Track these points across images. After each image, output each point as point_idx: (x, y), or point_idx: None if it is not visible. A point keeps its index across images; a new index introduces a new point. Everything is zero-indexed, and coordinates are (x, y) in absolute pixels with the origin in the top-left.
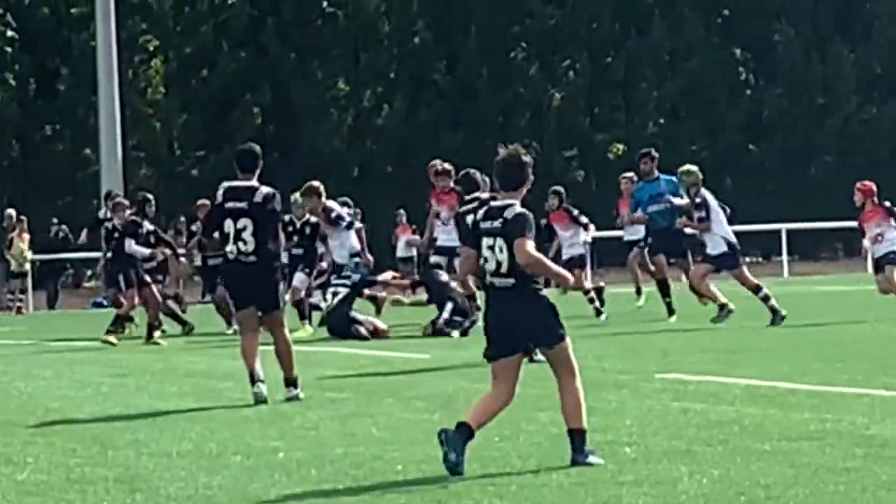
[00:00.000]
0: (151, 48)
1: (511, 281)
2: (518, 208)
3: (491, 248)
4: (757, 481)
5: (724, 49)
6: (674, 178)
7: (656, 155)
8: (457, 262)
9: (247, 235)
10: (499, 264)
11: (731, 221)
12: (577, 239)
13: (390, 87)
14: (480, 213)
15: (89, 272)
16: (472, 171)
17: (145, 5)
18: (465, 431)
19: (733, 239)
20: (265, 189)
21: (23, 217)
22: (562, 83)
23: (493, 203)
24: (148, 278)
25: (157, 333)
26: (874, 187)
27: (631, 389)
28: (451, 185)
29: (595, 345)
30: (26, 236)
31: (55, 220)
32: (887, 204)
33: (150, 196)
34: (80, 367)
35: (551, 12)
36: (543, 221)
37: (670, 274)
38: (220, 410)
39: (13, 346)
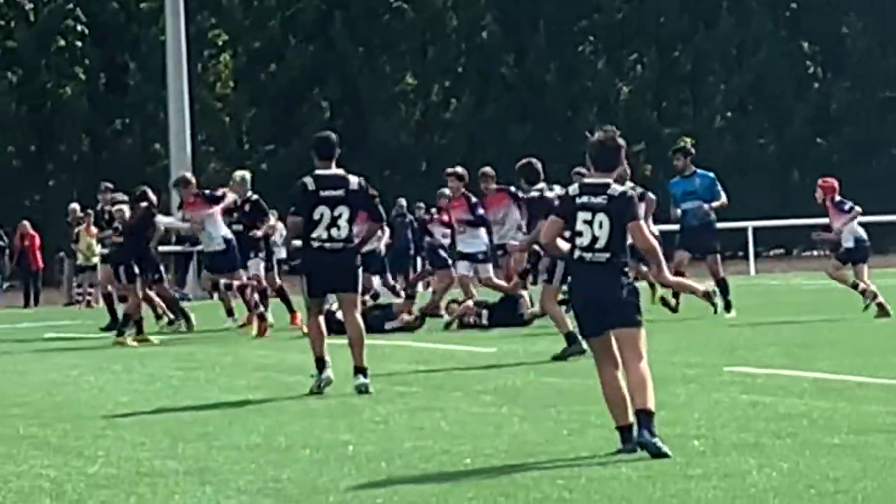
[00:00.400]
0: (220, 42)
1: (606, 256)
2: (622, 187)
3: (588, 222)
4: (826, 475)
5: (792, 42)
6: (710, 174)
7: (692, 151)
8: (479, 266)
9: (342, 222)
10: (595, 239)
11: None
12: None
13: (458, 82)
14: (575, 187)
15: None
16: (534, 160)
17: (215, 0)
18: (645, 418)
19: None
20: (354, 177)
21: (89, 211)
22: (629, 77)
23: (590, 180)
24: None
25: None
26: (836, 184)
27: (699, 383)
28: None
29: (663, 339)
30: (94, 230)
31: None
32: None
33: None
34: (150, 360)
35: (619, 6)
36: None
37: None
38: (289, 404)
39: (84, 339)
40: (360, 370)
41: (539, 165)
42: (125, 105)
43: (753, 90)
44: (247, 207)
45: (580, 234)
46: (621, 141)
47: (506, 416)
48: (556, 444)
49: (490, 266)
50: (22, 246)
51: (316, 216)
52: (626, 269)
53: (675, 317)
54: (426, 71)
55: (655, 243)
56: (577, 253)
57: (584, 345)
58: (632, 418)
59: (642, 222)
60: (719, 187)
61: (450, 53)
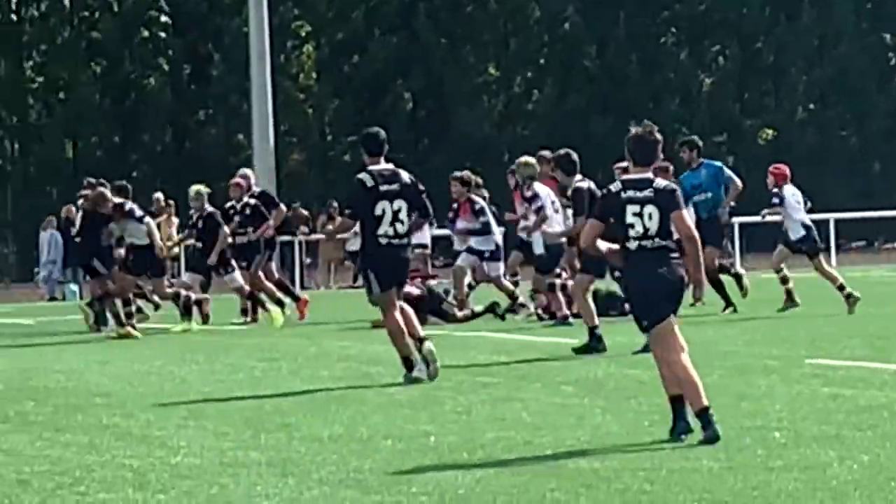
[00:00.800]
0: (304, 34)
1: (660, 243)
2: (665, 181)
3: (638, 214)
4: None
5: (874, 34)
6: (718, 164)
7: (699, 143)
8: (486, 264)
9: (402, 216)
10: (646, 229)
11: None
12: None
13: (540, 73)
14: (617, 184)
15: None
16: (572, 151)
17: None
18: (703, 414)
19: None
20: (405, 172)
21: (171, 201)
22: (711, 69)
23: (630, 176)
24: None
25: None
26: (787, 171)
27: (780, 375)
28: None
29: (744, 330)
30: (175, 220)
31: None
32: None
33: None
34: (233, 350)
35: None
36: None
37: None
38: (371, 394)
39: (165, 330)
40: (422, 339)
41: (576, 157)
42: (208, 96)
43: (835, 82)
44: (200, 224)
45: (632, 225)
46: (659, 136)
47: (587, 408)
48: (638, 436)
49: (500, 265)
50: None
51: (378, 212)
52: (677, 255)
53: (756, 310)
54: (509, 62)
55: (696, 233)
56: (632, 243)
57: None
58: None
59: (684, 212)
60: (729, 174)
61: (532, 45)
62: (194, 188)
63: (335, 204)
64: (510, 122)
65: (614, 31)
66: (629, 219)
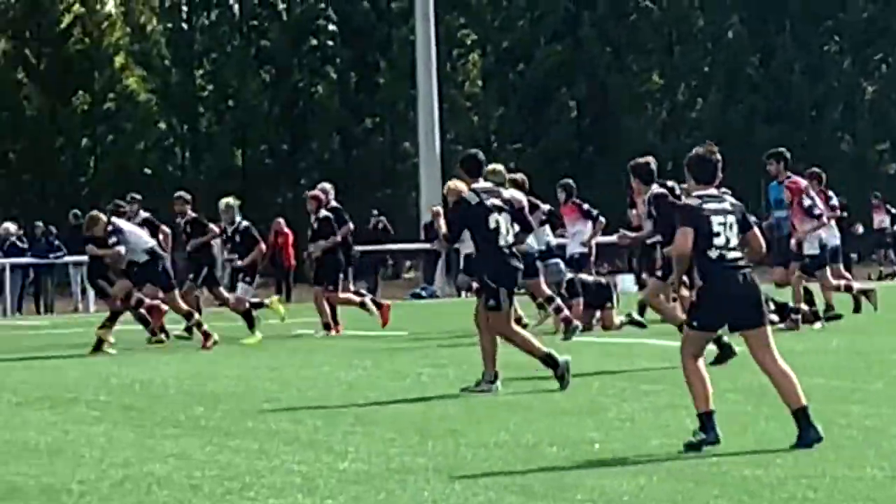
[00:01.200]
0: (469, 42)
1: (740, 254)
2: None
3: (723, 224)
4: None
5: None
6: (789, 180)
7: (787, 156)
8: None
9: (510, 227)
10: (728, 240)
11: None
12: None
13: (704, 81)
14: (694, 200)
15: (408, 263)
16: (651, 159)
17: (464, 1)
18: (804, 415)
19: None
20: (502, 189)
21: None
22: (874, 76)
23: (701, 192)
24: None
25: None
26: (802, 185)
27: None
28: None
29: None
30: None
31: (375, 212)
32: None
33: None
34: (398, 356)
35: (864, 6)
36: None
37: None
38: (536, 401)
39: (335, 336)
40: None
41: (654, 165)
42: (375, 103)
43: None
44: (237, 237)
45: (717, 234)
46: (719, 156)
47: (751, 415)
48: None
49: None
50: (276, 243)
51: (492, 225)
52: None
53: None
54: (672, 70)
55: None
56: (716, 252)
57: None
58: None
59: (756, 230)
60: (783, 195)
61: (696, 53)
62: (224, 201)
63: (622, 231)
64: (674, 130)
65: (778, 39)
66: (716, 228)
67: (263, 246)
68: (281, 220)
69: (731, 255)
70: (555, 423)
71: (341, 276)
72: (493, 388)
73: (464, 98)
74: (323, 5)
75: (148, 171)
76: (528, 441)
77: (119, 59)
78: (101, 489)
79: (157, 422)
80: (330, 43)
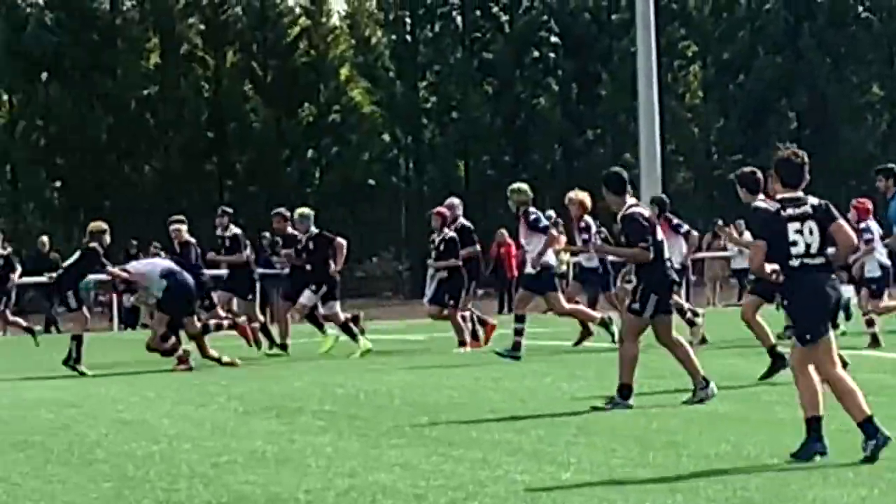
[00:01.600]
0: (690, 54)
1: (822, 260)
2: (816, 199)
3: (799, 231)
4: None
5: None
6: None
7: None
8: None
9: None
10: (808, 246)
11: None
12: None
13: None
14: (775, 204)
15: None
16: (757, 170)
17: (685, 12)
18: (868, 426)
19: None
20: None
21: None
22: None
23: (785, 195)
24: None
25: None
26: (870, 206)
27: None
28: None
29: None
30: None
31: (597, 223)
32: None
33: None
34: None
35: None
36: None
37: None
38: (756, 413)
39: (555, 346)
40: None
41: (761, 176)
42: (597, 115)
43: None
44: (310, 245)
45: (794, 243)
46: (805, 158)
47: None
48: None
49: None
50: (498, 254)
51: (659, 237)
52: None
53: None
54: (893, 82)
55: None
56: (795, 261)
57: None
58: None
59: (842, 221)
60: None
61: None
62: (299, 211)
63: (719, 222)
64: (894, 140)
65: None
66: (791, 236)
67: (343, 246)
68: (503, 231)
69: (814, 261)
70: (775, 434)
71: (464, 293)
72: (709, 391)
73: (685, 109)
74: (545, 17)
75: (372, 182)
76: (749, 453)
77: (344, 72)
78: (327, 499)
79: (382, 432)
80: (552, 55)
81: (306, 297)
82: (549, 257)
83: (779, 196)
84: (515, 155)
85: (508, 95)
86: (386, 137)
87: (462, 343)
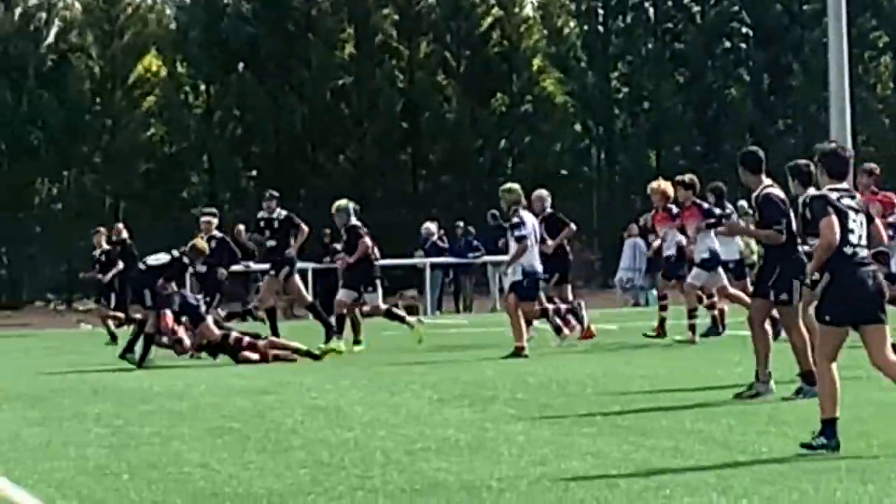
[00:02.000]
0: (881, 44)
1: (867, 251)
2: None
3: (856, 221)
4: None
5: None
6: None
7: None
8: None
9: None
10: (860, 237)
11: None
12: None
13: None
14: (830, 193)
15: None
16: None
17: (876, 2)
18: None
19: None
20: None
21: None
22: None
23: (836, 186)
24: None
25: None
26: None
27: None
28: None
29: None
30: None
31: None
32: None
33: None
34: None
35: None
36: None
37: None
38: None
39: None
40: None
41: (812, 168)
42: (788, 105)
43: None
44: (345, 237)
45: (852, 231)
46: (852, 152)
47: None
48: None
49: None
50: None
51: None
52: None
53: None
54: None
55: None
56: (849, 249)
57: None
58: None
59: (878, 220)
60: None
61: None
62: (337, 203)
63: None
64: None
65: None
66: (850, 224)
67: (369, 241)
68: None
69: (862, 252)
70: None
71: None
72: (767, 389)
73: (876, 101)
74: (737, 8)
75: (564, 171)
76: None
77: (536, 62)
78: (520, 486)
79: (573, 420)
80: (743, 45)
81: (343, 294)
82: (537, 263)
83: (829, 186)
84: (706, 145)
85: (699, 86)
86: (577, 127)
87: (557, 330)
